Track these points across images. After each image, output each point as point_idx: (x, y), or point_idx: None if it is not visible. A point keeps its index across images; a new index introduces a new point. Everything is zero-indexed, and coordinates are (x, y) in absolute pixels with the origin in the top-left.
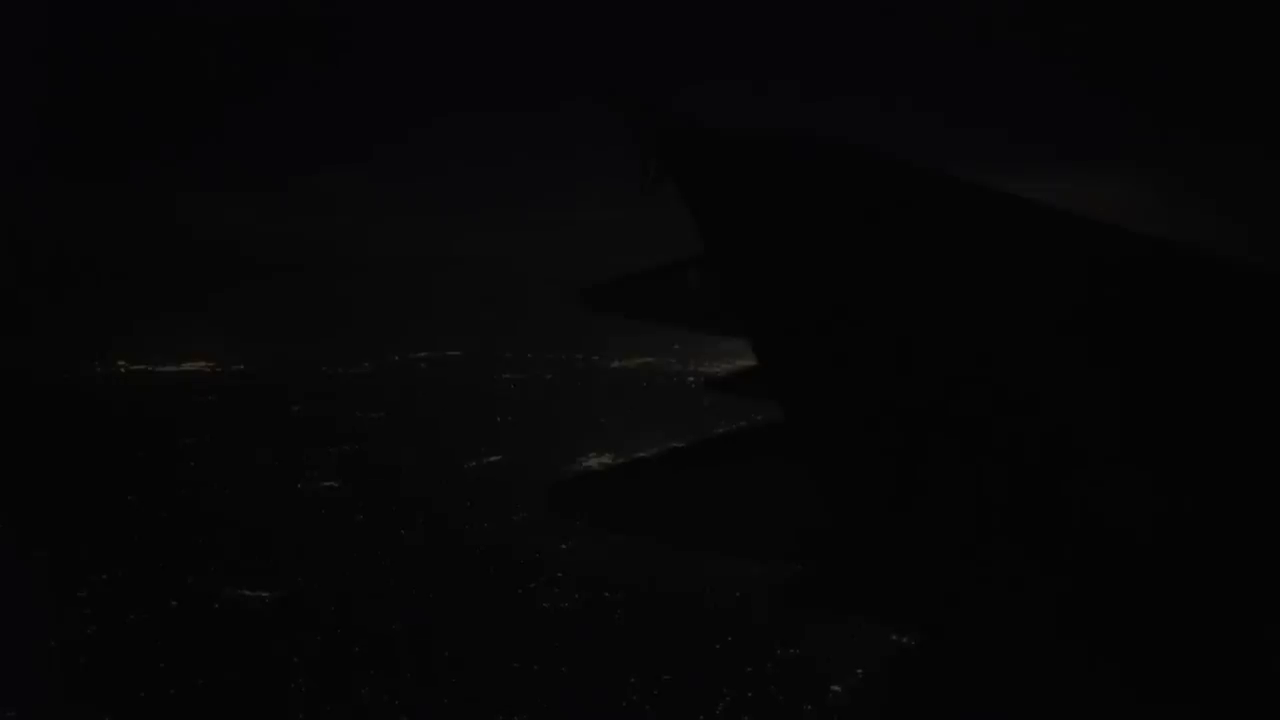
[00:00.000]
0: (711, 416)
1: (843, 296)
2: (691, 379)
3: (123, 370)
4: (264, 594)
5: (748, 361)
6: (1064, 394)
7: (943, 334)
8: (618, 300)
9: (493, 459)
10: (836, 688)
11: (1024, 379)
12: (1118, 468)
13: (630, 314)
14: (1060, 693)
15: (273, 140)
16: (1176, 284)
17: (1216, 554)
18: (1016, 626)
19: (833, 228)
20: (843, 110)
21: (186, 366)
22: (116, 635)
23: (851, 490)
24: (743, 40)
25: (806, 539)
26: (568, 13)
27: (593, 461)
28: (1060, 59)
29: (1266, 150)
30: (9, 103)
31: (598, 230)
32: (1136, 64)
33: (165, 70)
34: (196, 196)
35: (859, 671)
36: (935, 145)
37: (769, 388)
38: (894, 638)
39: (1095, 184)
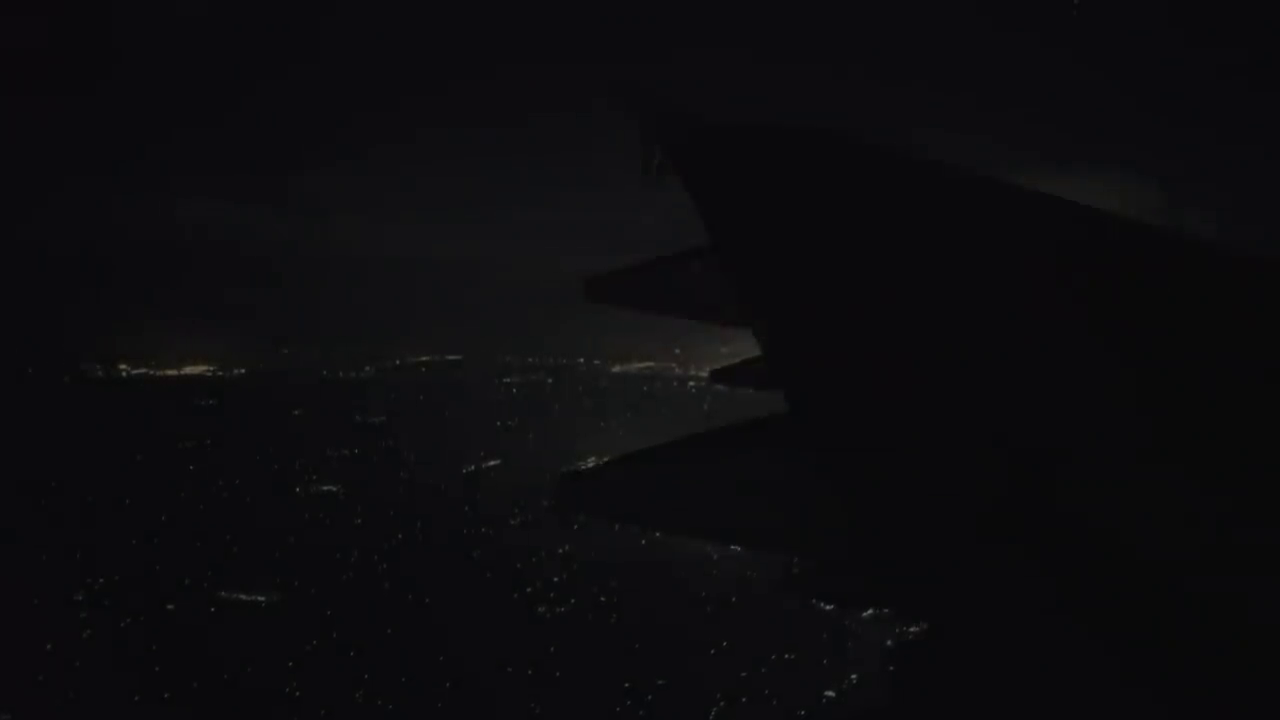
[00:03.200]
0: (713, 419)
1: (847, 287)
2: (693, 384)
3: (124, 374)
4: (260, 598)
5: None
6: (1067, 387)
7: (948, 324)
8: (620, 291)
9: (492, 463)
10: (830, 693)
11: (1029, 371)
12: (1121, 462)
13: (632, 304)
14: (1062, 689)
15: (273, 140)
16: (1183, 275)
17: (1217, 550)
18: (1019, 622)
19: (838, 219)
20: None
21: (188, 370)
22: (112, 638)
23: (855, 481)
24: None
25: (810, 530)
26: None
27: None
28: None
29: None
30: (8, 98)
31: (596, 235)
32: (1129, 59)
33: (162, 65)
34: (196, 198)
35: (853, 677)
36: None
37: (772, 378)
38: (888, 643)
39: (1088, 184)
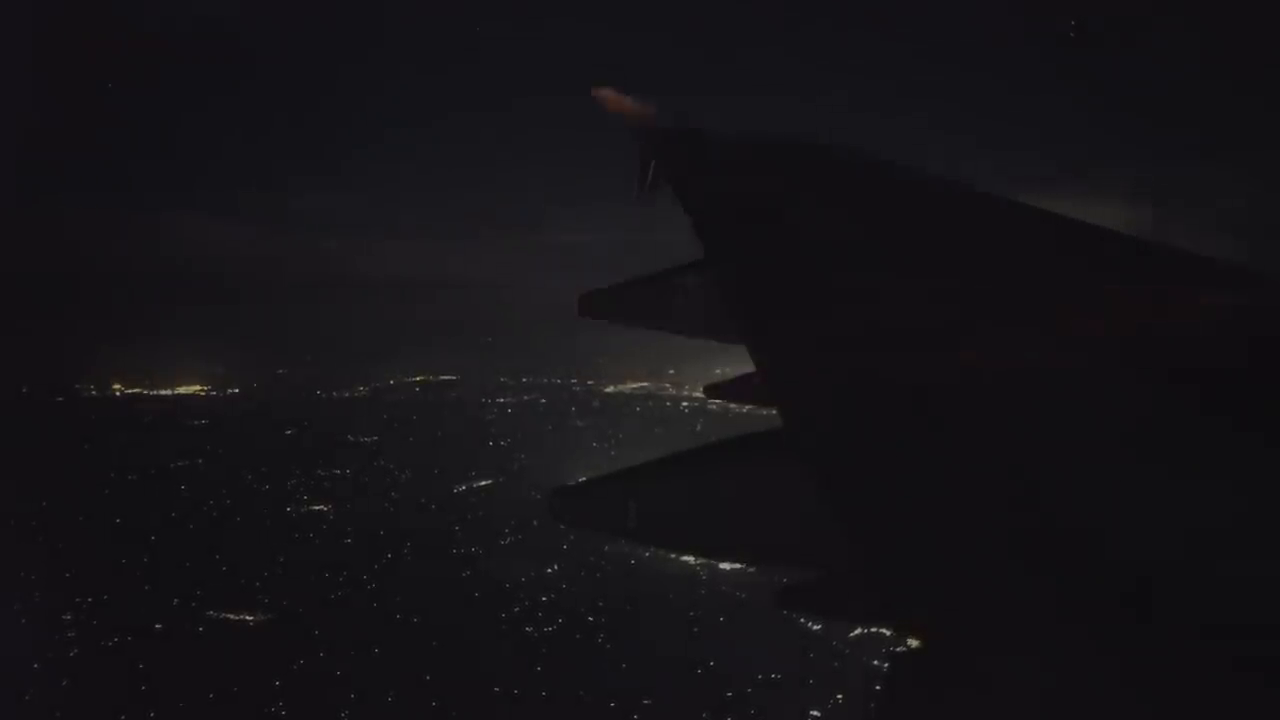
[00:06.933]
0: (706, 438)
1: (843, 300)
2: (685, 404)
3: (117, 394)
4: (249, 617)
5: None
6: (1065, 398)
7: (944, 336)
8: (614, 306)
9: (483, 483)
10: (816, 713)
11: (1028, 381)
12: (1120, 471)
13: (626, 319)
14: (1060, 700)
15: (267, 161)
16: (1174, 281)
17: (1216, 557)
18: (1018, 638)
19: (834, 233)
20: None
21: (181, 390)
22: (100, 657)
23: (850, 494)
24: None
25: (805, 544)
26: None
27: None
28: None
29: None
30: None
31: (596, 255)
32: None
33: (155, 85)
34: (193, 217)
35: (839, 697)
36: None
37: (767, 394)
38: (874, 663)
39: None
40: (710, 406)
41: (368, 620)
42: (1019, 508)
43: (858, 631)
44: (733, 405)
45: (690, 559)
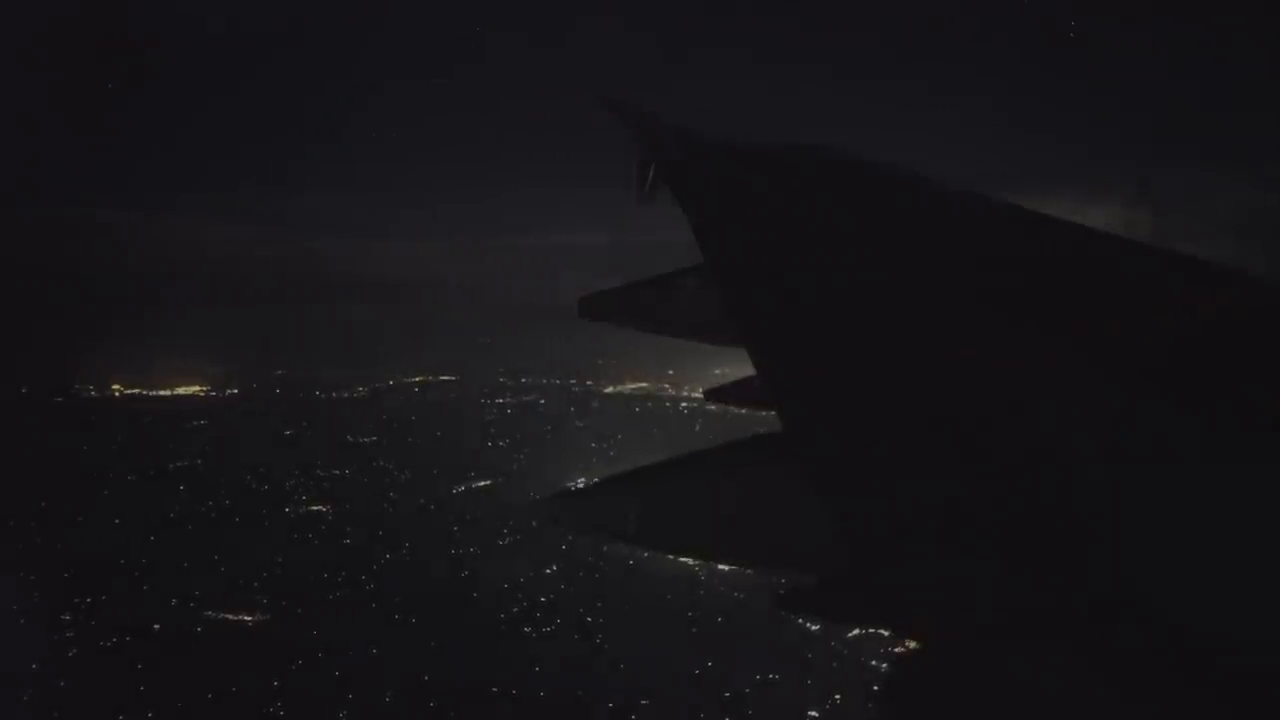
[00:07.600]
0: (705, 441)
1: (841, 304)
2: (685, 405)
3: (117, 394)
4: (247, 617)
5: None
6: (1064, 401)
7: (943, 341)
8: (615, 309)
9: (482, 483)
10: (814, 714)
11: (1024, 387)
12: (1118, 474)
13: (626, 322)
14: (1059, 702)
15: (267, 161)
16: (1176, 288)
17: (1215, 560)
18: (1018, 632)
19: (833, 237)
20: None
21: (180, 390)
22: (99, 657)
23: (849, 498)
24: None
25: (805, 547)
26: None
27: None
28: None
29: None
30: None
31: (594, 257)
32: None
33: (155, 88)
34: (191, 218)
35: (836, 697)
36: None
37: (766, 397)
38: (873, 663)
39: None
40: (709, 408)
41: (367, 620)
42: (1018, 510)
43: (857, 632)
44: (732, 407)
45: (689, 560)
